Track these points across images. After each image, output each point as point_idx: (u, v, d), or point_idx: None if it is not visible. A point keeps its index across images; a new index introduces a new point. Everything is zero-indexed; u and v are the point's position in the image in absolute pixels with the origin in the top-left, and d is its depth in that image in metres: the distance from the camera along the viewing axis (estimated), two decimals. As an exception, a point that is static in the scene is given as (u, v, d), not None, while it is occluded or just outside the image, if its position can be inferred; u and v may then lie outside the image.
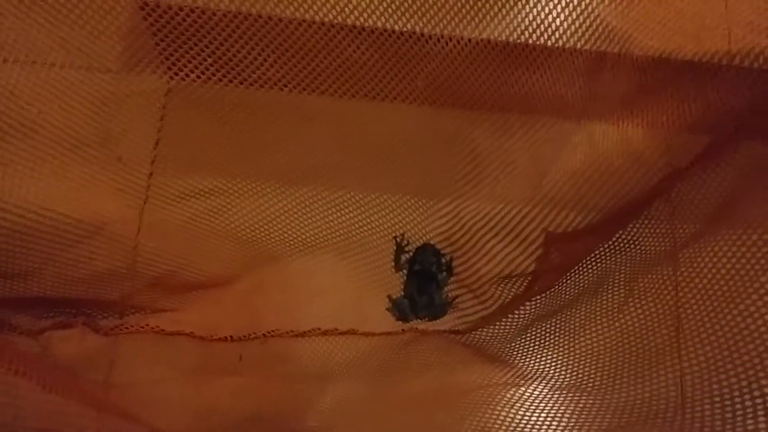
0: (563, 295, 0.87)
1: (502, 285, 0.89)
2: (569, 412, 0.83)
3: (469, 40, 0.85)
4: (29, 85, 0.83)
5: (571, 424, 0.81)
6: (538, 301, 0.87)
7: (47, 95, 0.85)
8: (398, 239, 0.96)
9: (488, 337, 0.88)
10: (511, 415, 0.85)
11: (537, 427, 0.82)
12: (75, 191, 0.93)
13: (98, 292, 0.97)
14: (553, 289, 0.87)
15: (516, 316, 0.86)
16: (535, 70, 0.87)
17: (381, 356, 0.91)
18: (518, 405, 0.86)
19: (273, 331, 0.98)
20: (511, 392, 0.87)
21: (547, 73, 0.87)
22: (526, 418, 0.84)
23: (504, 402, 0.86)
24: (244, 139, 1.01)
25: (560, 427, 0.81)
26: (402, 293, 0.94)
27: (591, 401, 0.82)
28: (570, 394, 0.84)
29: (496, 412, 0.85)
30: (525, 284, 0.87)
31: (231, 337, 0.99)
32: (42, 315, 0.95)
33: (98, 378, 0.97)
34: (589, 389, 0.83)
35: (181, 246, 1.00)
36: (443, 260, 0.94)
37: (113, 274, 0.97)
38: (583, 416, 0.81)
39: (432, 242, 0.95)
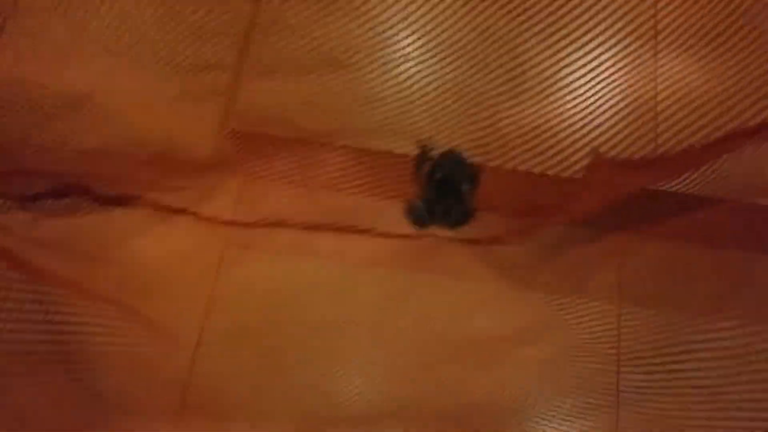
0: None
1: (529, 207, 0.88)
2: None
3: None
4: None
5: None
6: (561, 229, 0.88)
7: None
8: (423, 143, 0.90)
9: (507, 253, 0.89)
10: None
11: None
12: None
13: (93, 165, 0.89)
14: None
15: (536, 239, 0.87)
16: None
17: (394, 260, 0.91)
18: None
19: (284, 221, 0.95)
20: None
21: None
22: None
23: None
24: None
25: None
26: (419, 198, 0.90)
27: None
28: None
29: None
30: (553, 211, 0.86)
31: (237, 221, 0.96)
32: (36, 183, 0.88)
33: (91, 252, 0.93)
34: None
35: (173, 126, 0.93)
36: (468, 170, 0.89)
37: (107, 148, 0.89)
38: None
39: (459, 150, 0.90)
